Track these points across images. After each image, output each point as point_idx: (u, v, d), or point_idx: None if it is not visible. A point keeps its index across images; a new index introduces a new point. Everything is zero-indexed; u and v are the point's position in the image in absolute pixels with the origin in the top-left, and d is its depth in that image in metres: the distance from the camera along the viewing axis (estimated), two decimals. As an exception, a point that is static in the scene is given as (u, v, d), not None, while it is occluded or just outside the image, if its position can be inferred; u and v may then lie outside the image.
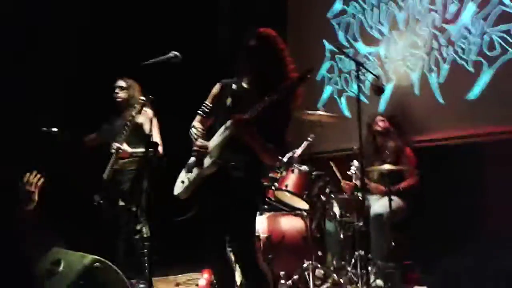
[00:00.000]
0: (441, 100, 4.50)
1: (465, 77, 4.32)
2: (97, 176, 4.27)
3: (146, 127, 4.07)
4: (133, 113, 3.97)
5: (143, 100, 3.97)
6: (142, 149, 4.10)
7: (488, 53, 4.17)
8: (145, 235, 4.01)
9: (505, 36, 4.05)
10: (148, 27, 5.68)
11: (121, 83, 4.34)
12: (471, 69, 4.29)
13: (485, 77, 4.18)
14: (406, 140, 4.35)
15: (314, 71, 5.54)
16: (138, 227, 4.01)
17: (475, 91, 4.25)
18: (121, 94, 4.32)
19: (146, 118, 4.08)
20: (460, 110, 4.36)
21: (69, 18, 5.25)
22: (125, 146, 4.12)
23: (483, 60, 4.20)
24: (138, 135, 4.15)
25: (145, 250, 3.92)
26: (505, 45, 4.06)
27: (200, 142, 2.76)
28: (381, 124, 4.35)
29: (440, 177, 4.22)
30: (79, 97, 5.12)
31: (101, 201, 4.13)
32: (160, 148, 4.02)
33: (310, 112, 4.25)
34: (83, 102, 5.06)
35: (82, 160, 4.57)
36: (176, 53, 3.05)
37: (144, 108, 3.96)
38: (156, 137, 4.07)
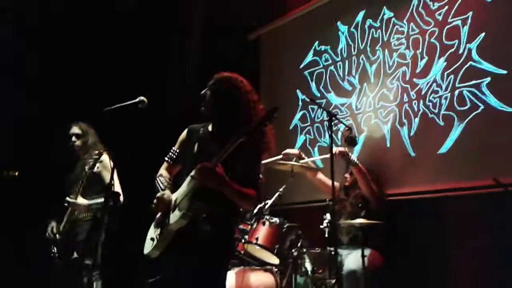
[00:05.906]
0: (412, 153, 4.49)
1: (436, 131, 4.32)
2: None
3: (105, 176, 3.89)
4: (89, 164, 3.77)
5: (99, 149, 3.83)
6: (100, 200, 3.87)
7: (458, 107, 4.19)
8: None
9: (475, 91, 4.08)
10: (117, 70, 5.62)
11: (76, 129, 4.17)
12: (441, 123, 4.30)
13: (455, 132, 4.19)
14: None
15: (280, 114, 5.54)
16: (90, 282, 3.77)
17: (447, 145, 4.23)
18: (78, 143, 4.14)
19: (103, 166, 3.88)
20: (431, 164, 4.33)
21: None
22: (80, 200, 3.89)
23: (453, 115, 4.21)
24: (97, 185, 3.96)
25: None
26: (475, 100, 4.08)
27: (160, 194, 2.63)
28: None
29: (411, 231, 4.18)
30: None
31: (57, 254, 3.89)
32: (121, 198, 3.85)
33: (283, 161, 4.21)
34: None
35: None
36: (142, 98, 2.98)
37: (101, 157, 3.78)
38: (117, 186, 3.87)
